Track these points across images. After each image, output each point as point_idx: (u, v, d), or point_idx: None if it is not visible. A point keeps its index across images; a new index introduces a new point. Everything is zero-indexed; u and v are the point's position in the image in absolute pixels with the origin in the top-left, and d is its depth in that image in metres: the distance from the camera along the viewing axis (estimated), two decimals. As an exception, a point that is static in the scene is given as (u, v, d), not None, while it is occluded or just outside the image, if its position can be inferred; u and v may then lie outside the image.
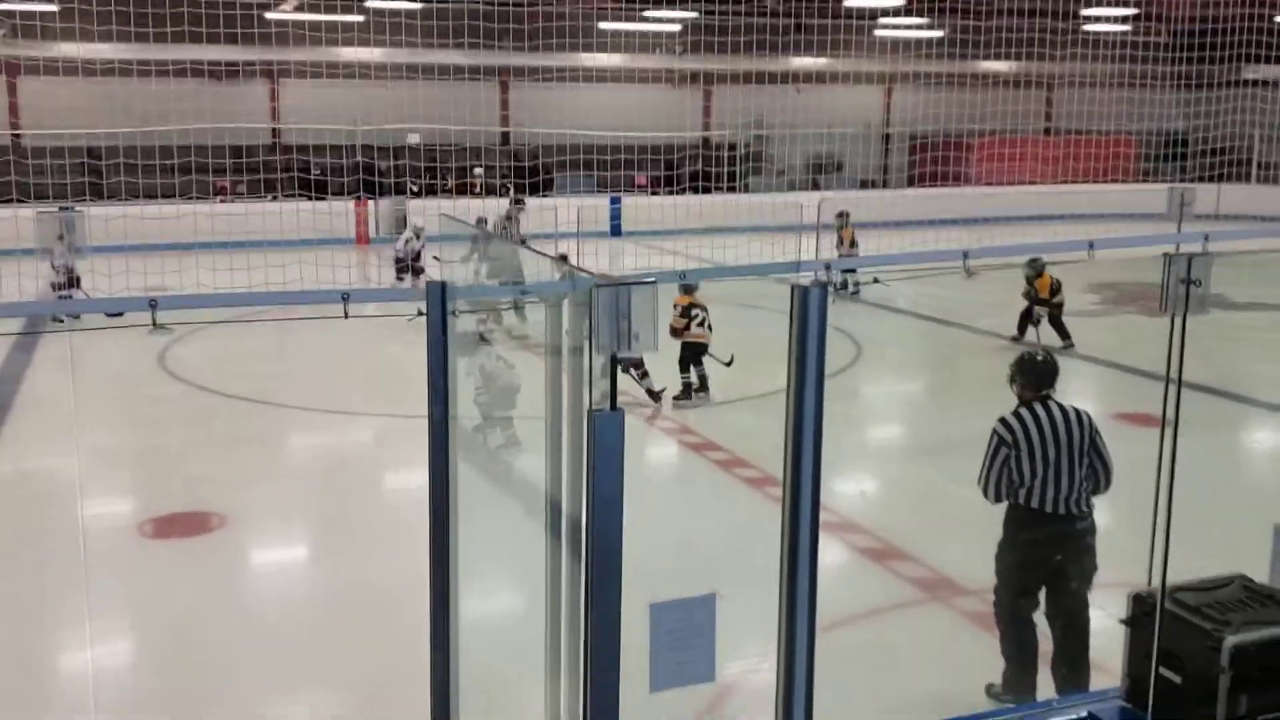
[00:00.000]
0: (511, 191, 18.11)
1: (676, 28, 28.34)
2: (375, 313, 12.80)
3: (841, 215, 17.82)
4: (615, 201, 26.95)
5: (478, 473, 9.26)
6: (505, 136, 29.59)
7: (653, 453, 10.01)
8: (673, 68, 29.36)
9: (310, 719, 5.56)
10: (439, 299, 2.99)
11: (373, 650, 6.00)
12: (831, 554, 7.12)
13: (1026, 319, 13.48)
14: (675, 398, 11.08)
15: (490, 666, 5.78)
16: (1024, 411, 5.07)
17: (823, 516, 8.30)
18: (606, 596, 2.06)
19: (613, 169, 26.35)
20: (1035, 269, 13.23)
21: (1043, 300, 13.33)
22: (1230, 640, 3.28)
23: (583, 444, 2.07)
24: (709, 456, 9.50)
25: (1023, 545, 5.12)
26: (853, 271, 16.77)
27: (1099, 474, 5.08)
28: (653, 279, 1.93)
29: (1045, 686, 5.06)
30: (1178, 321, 3.10)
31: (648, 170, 28.42)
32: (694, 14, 26.94)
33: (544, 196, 26.57)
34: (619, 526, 1.99)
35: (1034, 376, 5.16)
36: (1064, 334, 13.39)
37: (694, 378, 11.11)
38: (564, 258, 16.48)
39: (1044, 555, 5.10)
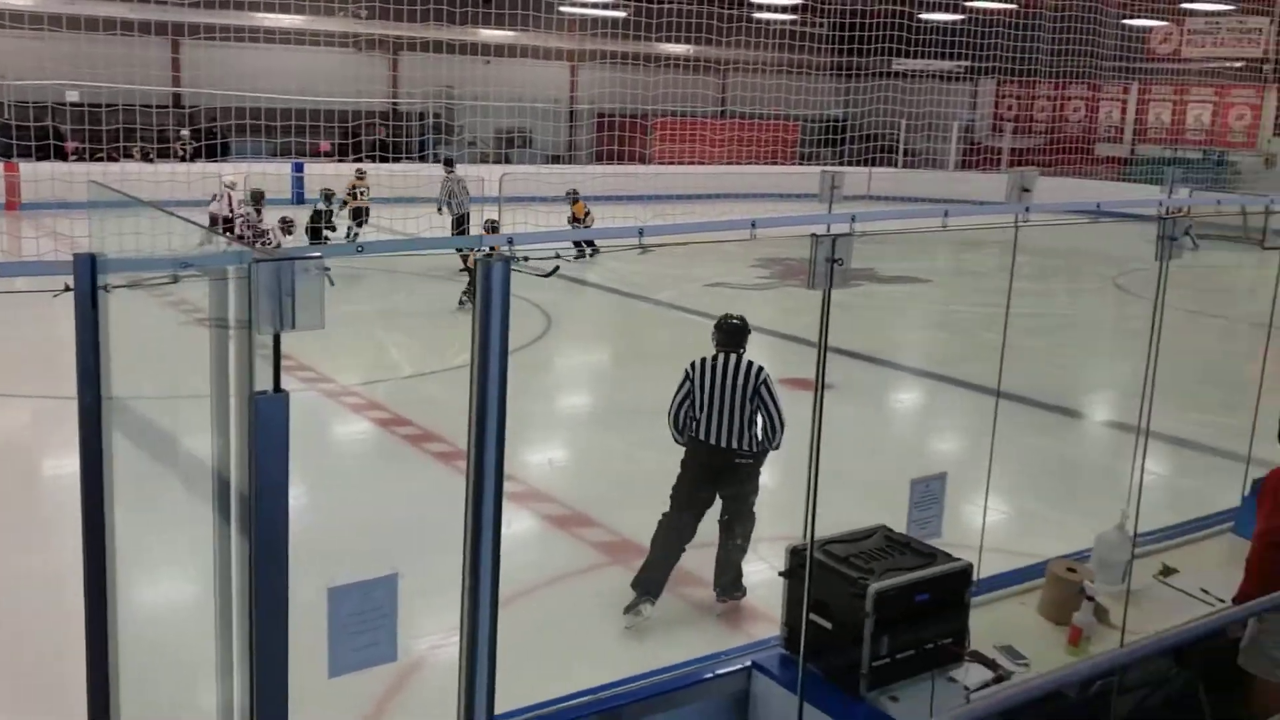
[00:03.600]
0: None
1: (360, -10, 27.47)
2: (26, 287, 11.65)
3: (571, 192, 19.20)
4: (298, 169, 25.83)
5: (146, 455, 8.69)
6: (177, 98, 27.64)
7: (340, 430, 9.75)
8: (357, 32, 28.42)
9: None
10: (88, 272, 2.77)
11: (24, 651, 5.51)
12: (519, 523, 7.21)
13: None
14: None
15: (158, 661, 5.45)
16: (707, 359, 5.92)
17: (511, 487, 8.40)
18: (272, 587, 1.99)
19: (296, 135, 25.24)
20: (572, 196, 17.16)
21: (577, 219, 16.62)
22: (873, 586, 3.59)
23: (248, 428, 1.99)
24: (398, 432, 9.36)
25: (686, 468, 6.00)
26: (590, 244, 17.73)
27: (768, 422, 5.87)
28: (318, 254, 1.87)
29: (712, 641, 5.35)
30: (828, 296, 3.34)
31: (334, 138, 27.42)
32: (377, -23, 26.24)
33: (220, 161, 25.05)
34: (284, 514, 1.93)
35: (724, 335, 6.02)
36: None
37: None
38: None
39: (703, 479, 5.95)
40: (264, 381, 1.88)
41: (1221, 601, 4.49)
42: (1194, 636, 3.58)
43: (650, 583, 5.86)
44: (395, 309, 15.43)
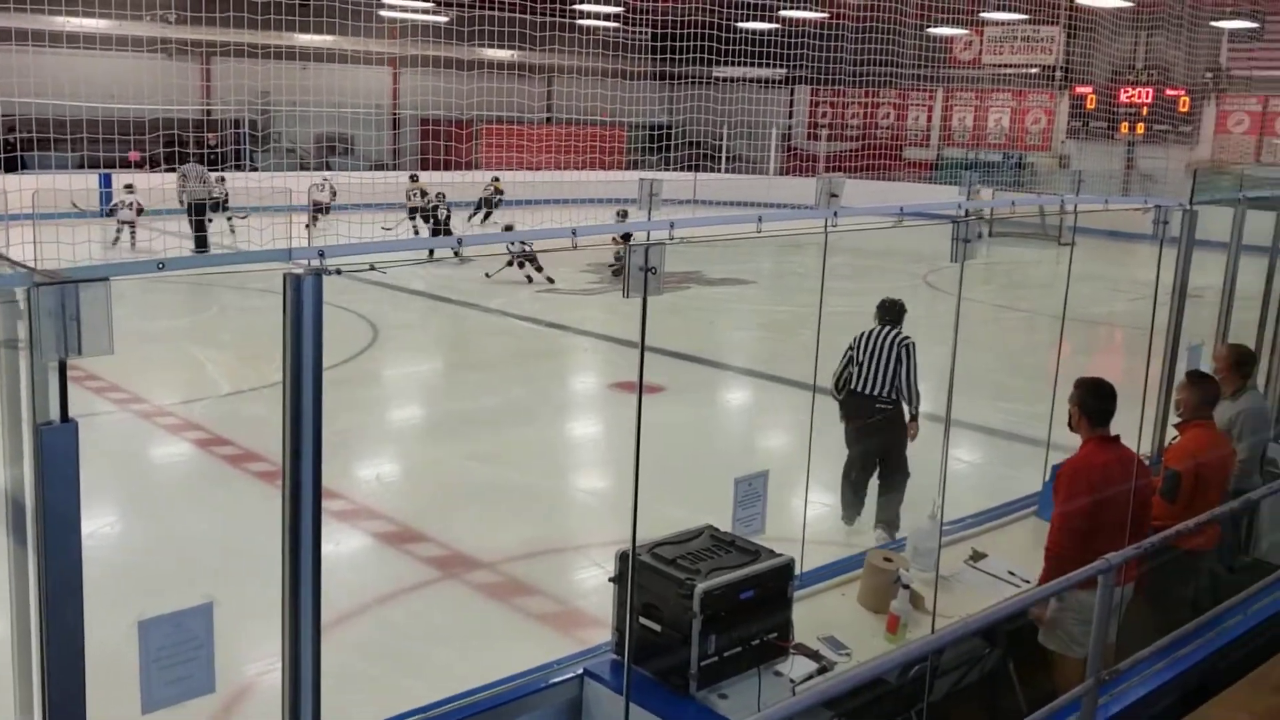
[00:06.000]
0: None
1: (167, -8, 26.32)
2: None
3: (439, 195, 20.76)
4: (106, 181, 24.54)
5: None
6: (-35, 107, 25.90)
7: (156, 453, 9.34)
8: (166, 37, 27.21)
9: None
10: None
11: None
12: (347, 542, 7.05)
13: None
14: None
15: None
16: (866, 330, 7.19)
17: (338, 504, 8.20)
18: (66, 626, 1.89)
19: (104, 146, 23.95)
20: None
21: None
22: (700, 587, 3.65)
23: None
24: (218, 453, 9.01)
25: (847, 418, 7.26)
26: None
27: (904, 382, 7.08)
28: (104, 276, 1.78)
29: (546, 651, 5.34)
30: (645, 303, 3.40)
31: (145, 148, 26.15)
32: (185, -21, 25.21)
33: (19, 174, 23.57)
34: (77, 549, 1.83)
35: (882, 311, 7.30)
36: None
37: None
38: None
39: (856, 422, 7.25)
40: (51, 411, 1.78)
41: (1027, 582, 4.76)
42: (999, 618, 3.77)
43: (850, 515, 7.35)
44: (211, 324, 14.87)
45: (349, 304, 14.53)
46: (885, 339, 7.12)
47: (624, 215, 17.29)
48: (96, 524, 7.19)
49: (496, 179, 25.09)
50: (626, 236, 15.70)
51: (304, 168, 28.06)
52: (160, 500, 8.10)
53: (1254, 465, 5.83)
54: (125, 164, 25.87)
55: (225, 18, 25.15)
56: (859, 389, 7.15)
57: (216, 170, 24.32)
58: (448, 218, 20.06)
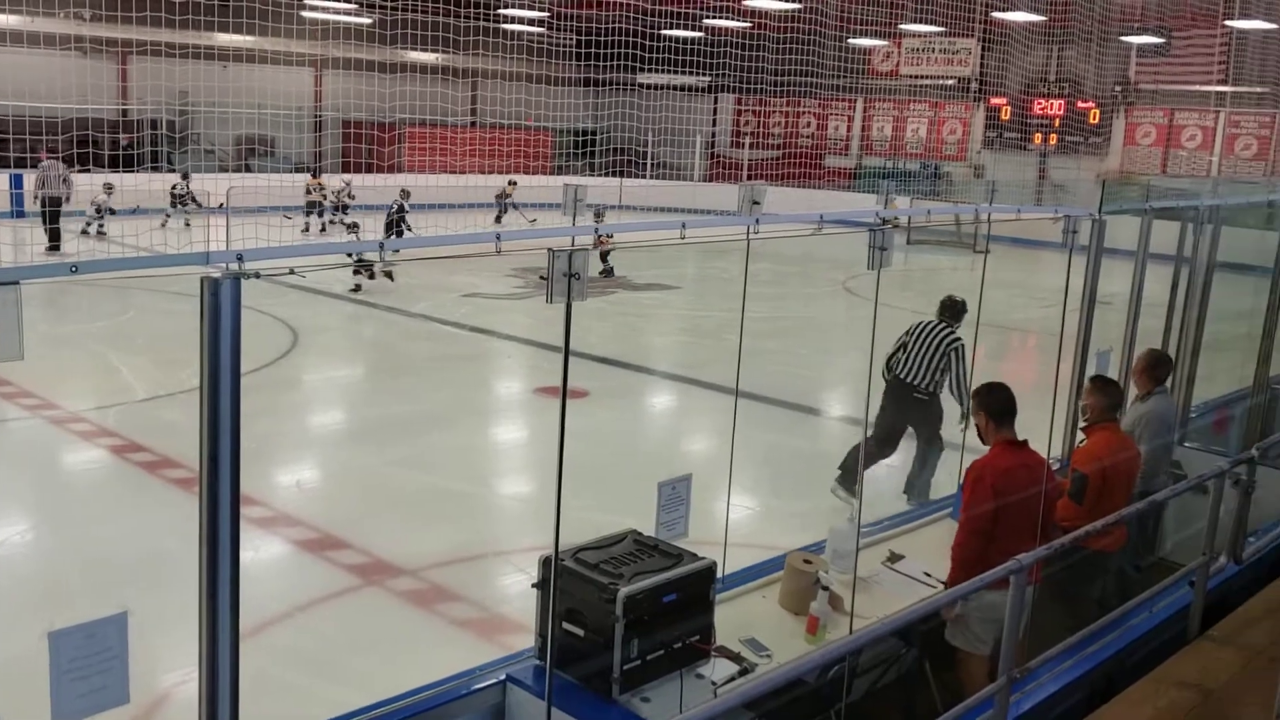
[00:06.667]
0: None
1: (82, -11, 25.69)
2: None
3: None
4: (17, 182, 23.84)
5: None
6: None
7: (69, 460, 9.11)
8: (80, 34, 26.52)
9: None
10: None
11: None
12: (266, 549, 6.95)
13: None
14: None
15: None
16: (924, 321, 7.66)
17: (258, 511, 8.12)
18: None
19: (15, 146, 23.27)
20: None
21: None
22: (623, 591, 3.68)
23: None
24: (133, 459, 8.82)
25: (886, 398, 7.75)
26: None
27: (953, 382, 7.49)
28: (14, 279, 1.75)
29: (468, 657, 5.32)
30: (569, 309, 3.43)
31: (58, 149, 25.45)
32: (100, -25, 24.60)
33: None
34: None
35: (941, 308, 7.73)
36: None
37: None
38: None
39: (894, 405, 7.73)
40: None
41: (941, 583, 4.86)
42: (915, 618, 3.85)
43: (849, 485, 7.50)
44: (125, 328, 14.54)
45: (268, 308, 14.31)
46: (936, 334, 7.55)
47: (600, 215, 16.99)
48: (7, 532, 7.01)
49: (513, 181, 26.20)
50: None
51: (223, 169, 27.56)
52: (73, 508, 7.90)
53: (1159, 467, 6.03)
54: (35, 164, 25.20)
55: (143, 16, 24.56)
56: (901, 375, 7.64)
57: (133, 172, 23.81)
58: (402, 217, 19.63)
